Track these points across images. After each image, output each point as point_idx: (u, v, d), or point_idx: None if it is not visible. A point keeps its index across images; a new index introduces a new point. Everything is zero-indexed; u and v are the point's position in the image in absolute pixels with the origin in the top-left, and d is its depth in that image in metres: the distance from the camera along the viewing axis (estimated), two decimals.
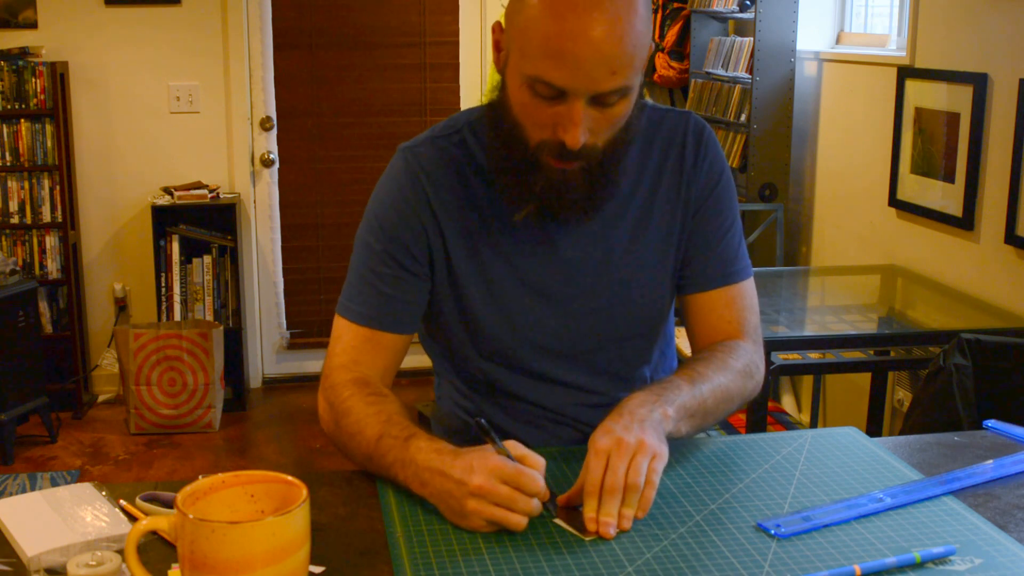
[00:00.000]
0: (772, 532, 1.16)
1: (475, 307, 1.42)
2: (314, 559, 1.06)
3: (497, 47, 1.34)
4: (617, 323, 1.45)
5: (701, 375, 1.34)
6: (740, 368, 1.40)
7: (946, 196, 3.09)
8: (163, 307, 4.37)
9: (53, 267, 4.29)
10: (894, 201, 3.36)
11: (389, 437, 1.25)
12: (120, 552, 1.06)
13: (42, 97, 4.15)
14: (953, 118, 3.05)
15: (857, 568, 1.07)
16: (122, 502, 1.23)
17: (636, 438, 1.18)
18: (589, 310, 1.43)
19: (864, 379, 3.41)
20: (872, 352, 3.05)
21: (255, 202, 4.63)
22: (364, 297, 1.40)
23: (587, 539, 1.15)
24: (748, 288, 1.48)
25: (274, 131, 4.62)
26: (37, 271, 4.26)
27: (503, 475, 1.14)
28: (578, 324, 1.44)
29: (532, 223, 1.41)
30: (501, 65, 1.33)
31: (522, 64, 1.25)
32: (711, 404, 1.34)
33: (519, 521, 1.14)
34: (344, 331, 1.41)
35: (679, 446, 1.39)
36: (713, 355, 1.40)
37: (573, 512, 1.19)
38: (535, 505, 1.15)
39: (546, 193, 1.31)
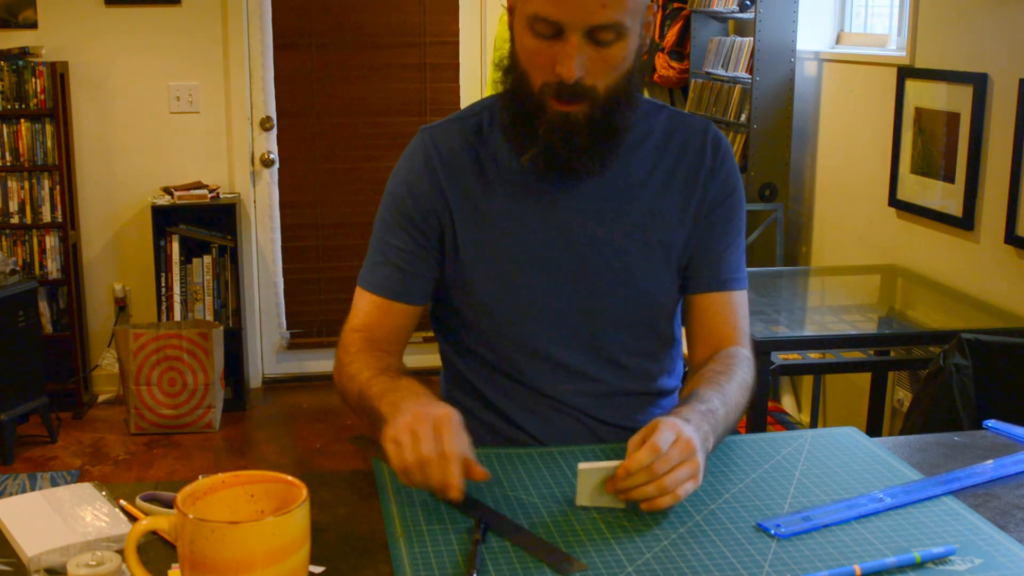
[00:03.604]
0: (772, 532, 1.16)
1: (482, 282, 1.46)
2: (314, 559, 1.06)
3: (510, 10, 1.41)
4: (620, 308, 1.47)
5: (734, 403, 1.38)
6: (751, 384, 1.45)
7: (946, 196, 3.09)
8: (163, 307, 4.37)
9: (53, 267, 4.29)
10: (894, 201, 3.36)
11: (384, 376, 1.35)
12: (120, 552, 1.06)
13: (42, 97, 4.15)
14: (953, 118, 3.05)
15: (857, 568, 1.07)
16: (122, 502, 1.23)
17: (697, 457, 1.20)
18: (594, 291, 1.46)
19: (864, 379, 3.41)
20: (872, 352, 3.05)
21: (255, 202, 4.63)
22: (379, 269, 1.49)
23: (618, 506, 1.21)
24: (745, 298, 1.55)
25: (274, 131, 4.62)
26: (37, 271, 4.26)
27: (450, 428, 1.17)
28: (583, 304, 1.46)
29: (544, 201, 1.44)
30: (511, 22, 1.40)
31: (524, 8, 1.33)
32: (731, 430, 1.39)
33: (414, 460, 1.15)
34: (360, 299, 1.51)
35: None
36: (734, 373, 1.43)
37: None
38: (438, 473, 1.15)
39: (550, 136, 1.36)
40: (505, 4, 1.41)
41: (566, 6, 1.29)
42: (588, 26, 1.30)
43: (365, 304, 1.50)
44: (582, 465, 1.21)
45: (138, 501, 1.24)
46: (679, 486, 1.17)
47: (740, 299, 1.52)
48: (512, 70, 1.40)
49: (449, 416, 1.19)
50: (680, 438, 1.19)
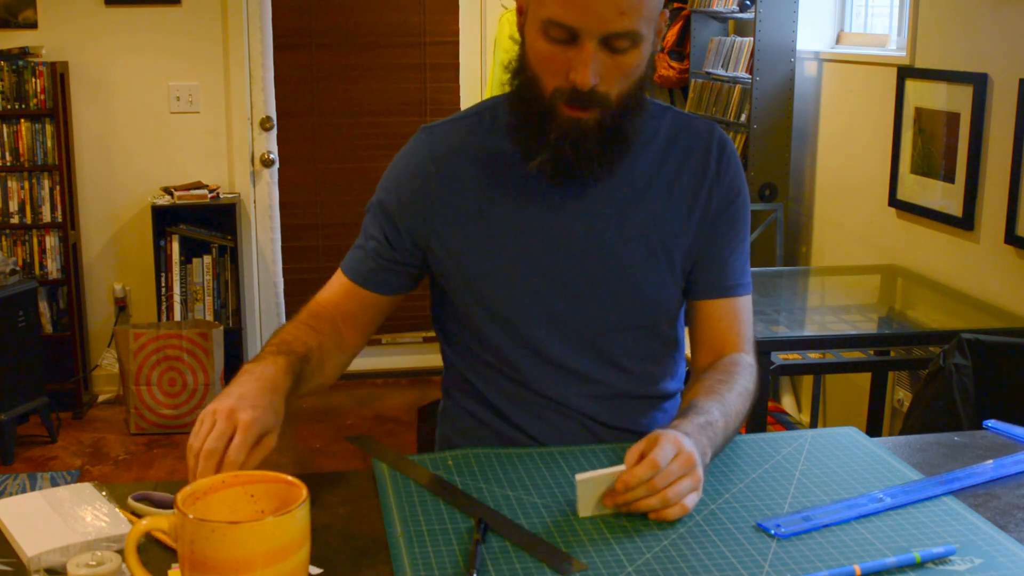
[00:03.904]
0: (772, 532, 1.16)
1: (482, 283, 1.45)
2: (314, 559, 1.06)
3: (520, 11, 1.40)
4: (622, 310, 1.46)
5: (734, 413, 1.38)
6: (752, 391, 1.45)
7: (946, 196, 3.09)
8: (163, 307, 4.37)
9: (53, 267, 4.29)
10: (894, 201, 3.36)
11: (275, 347, 1.37)
12: (120, 552, 1.06)
13: (42, 97, 4.15)
14: (953, 118, 3.05)
15: (857, 568, 1.07)
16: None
17: (698, 471, 1.21)
18: (596, 293, 1.45)
19: (864, 379, 3.41)
20: (872, 352, 3.05)
21: (255, 202, 4.63)
22: (355, 252, 1.53)
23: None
24: (750, 303, 1.54)
25: (274, 131, 4.62)
26: (37, 271, 4.26)
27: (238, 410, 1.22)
28: (584, 306, 1.46)
29: (546, 203, 1.43)
30: (522, 24, 1.39)
31: (538, 11, 1.31)
32: (731, 439, 1.39)
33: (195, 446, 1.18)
34: (336, 276, 1.55)
35: None
36: (735, 382, 1.42)
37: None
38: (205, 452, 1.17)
39: (560, 142, 1.35)
40: (505, 5, 1.40)
41: (583, 13, 1.27)
42: (604, 33, 1.28)
43: (335, 282, 1.54)
44: (580, 476, 1.20)
45: (129, 501, 1.23)
46: (682, 498, 1.18)
47: (744, 304, 1.52)
48: (521, 73, 1.39)
49: (248, 424, 1.21)
50: (681, 453, 1.19)
